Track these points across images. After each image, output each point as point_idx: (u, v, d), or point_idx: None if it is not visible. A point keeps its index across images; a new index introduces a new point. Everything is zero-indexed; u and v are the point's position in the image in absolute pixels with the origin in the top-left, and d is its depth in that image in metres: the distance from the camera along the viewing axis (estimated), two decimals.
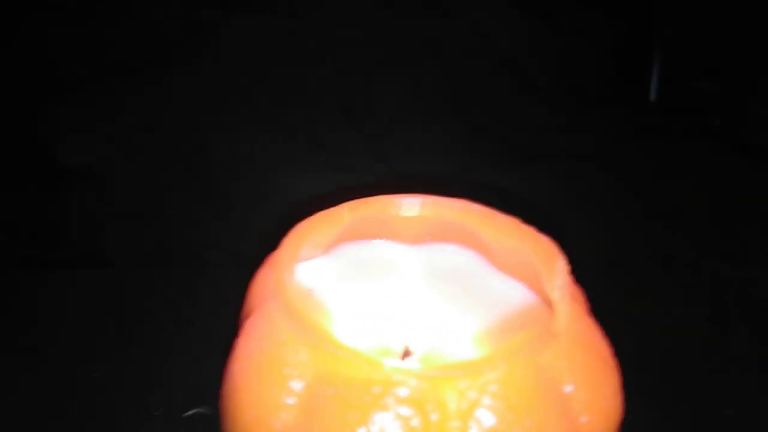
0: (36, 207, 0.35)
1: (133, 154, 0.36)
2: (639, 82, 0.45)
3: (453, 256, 0.28)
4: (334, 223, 0.25)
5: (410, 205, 0.26)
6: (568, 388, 0.20)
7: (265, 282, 0.24)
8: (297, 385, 0.19)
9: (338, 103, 0.35)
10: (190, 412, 0.27)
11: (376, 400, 0.18)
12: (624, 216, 0.37)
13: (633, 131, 0.43)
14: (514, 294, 0.26)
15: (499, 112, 0.37)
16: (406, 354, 0.24)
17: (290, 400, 0.19)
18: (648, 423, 0.27)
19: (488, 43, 0.38)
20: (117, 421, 0.27)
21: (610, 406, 0.21)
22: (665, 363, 0.30)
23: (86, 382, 0.28)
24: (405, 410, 0.18)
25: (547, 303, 0.23)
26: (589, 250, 0.32)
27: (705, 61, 0.49)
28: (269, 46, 0.36)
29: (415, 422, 0.18)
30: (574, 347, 0.21)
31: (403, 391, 0.18)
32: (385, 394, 0.18)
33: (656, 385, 0.29)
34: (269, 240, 0.24)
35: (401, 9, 0.37)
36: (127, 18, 0.36)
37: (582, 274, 0.24)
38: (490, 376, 0.19)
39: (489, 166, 0.38)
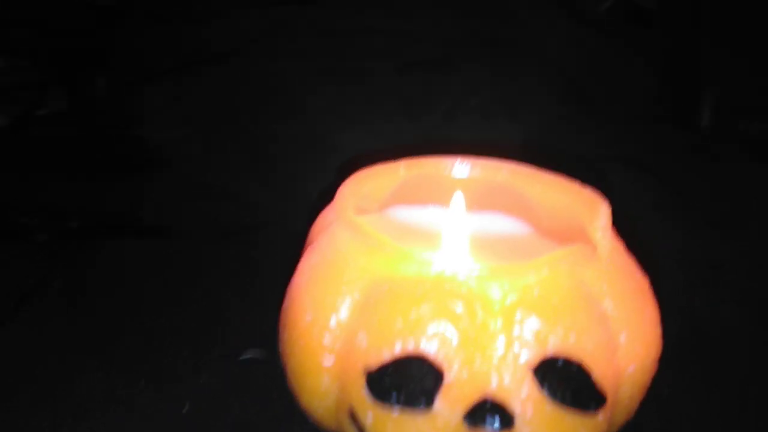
0: (114, 186, 0.39)
1: (206, 137, 0.39)
2: (691, 107, 0.46)
3: (502, 222, 0.29)
4: (390, 177, 0.27)
5: (462, 167, 0.28)
6: (608, 305, 0.21)
7: (324, 217, 0.26)
8: (354, 288, 0.21)
9: (398, 98, 0.38)
10: (246, 356, 0.29)
11: (428, 294, 0.20)
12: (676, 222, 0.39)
13: (684, 150, 0.44)
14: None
15: (551, 120, 0.40)
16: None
17: (348, 302, 0.21)
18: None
19: (544, 53, 0.41)
20: (180, 365, 0.29)
21: (649, 332, 0.22)
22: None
23: (157, 326, 0.31)
24: (453, 304, 0.20)
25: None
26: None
27: (757, 99, 0.50)
28: (337, 41, 0.40)
29: (462, 315, 0.20)
30: (615, 272, 0.22)
31: (452, 288, 0.20)
32: (435, 289, 0.20)
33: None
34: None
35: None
36: (207, 15, 0.40)
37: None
38: (533, 279, 0.20)
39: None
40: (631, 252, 0.24)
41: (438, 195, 0.29)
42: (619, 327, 0.21)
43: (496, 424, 0.19)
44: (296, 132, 0.38)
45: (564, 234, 0.27)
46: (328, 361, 0.21)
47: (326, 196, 0.26)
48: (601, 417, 0.20)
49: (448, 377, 0.19)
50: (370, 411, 0.20)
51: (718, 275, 0.37)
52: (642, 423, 0.24)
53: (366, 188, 0.26)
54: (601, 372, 0.20)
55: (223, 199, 0.38)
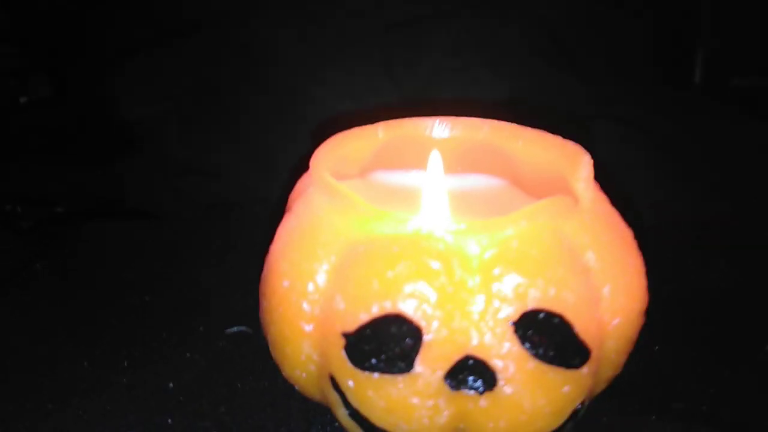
0: (98, 161, 0.38)
1: (183, 111, 0.39)
2: (684, 64, 0.45)
3: (482, 182, 0.29)
4: (368, 140, 0.27)
5: (441, 127, 0.27)
6: (590, 258, 0.20)
7: (301, 184, 0.25)
8: (330, 252, 0.21)
9: (381, 61, 0.37)
10: (232, 329, 0.29)
11: (404, 252, 0.19)
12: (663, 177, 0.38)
13: (674, 106, 0.43)
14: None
15: (539, 80, 0.39)
16: None
17: (323, 265, 0.21)
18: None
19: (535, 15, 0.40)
20: (167, 339, 0.28)
21: (634, 284, 0.21)
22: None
23: (140, 306, 0.30)
24: (430, 261, 0.19)
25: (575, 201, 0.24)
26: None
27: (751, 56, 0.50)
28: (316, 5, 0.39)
29: (440, 272, 0.19)
30: (597, 224, 0.21)
31: (428, 246, 0.19)
32: (411, 247, 0.19)
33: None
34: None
35: None
36: None
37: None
38: (511, 232, 0.19)
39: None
40: (617, 208, 0.24)
41: (419, 157, 0.28)
42: (603, 279, 0.20)
43: (478, 384, 0.19)
44: (273, 102, 0.38)
45: (547, 190, 0.26)
46: (307, 327, 0.21)
47: (305, 163, 0.26)
48: (585, 371, 0.19)
49: (427, 336, 0.19)
50: (350, 377, 0.19)
51: (707, 233, 0.36)
52: (633, 381, 0.23)
53: (343, 151, 0.26)
54: (583, 325, 0.19)
55: (202, 175, 0.37)
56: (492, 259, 0.19)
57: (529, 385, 0.19)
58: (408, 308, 0.19)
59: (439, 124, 0.27)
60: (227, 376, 0.26)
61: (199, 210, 0.36)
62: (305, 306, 0.21)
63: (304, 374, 0.22)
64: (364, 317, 0.19)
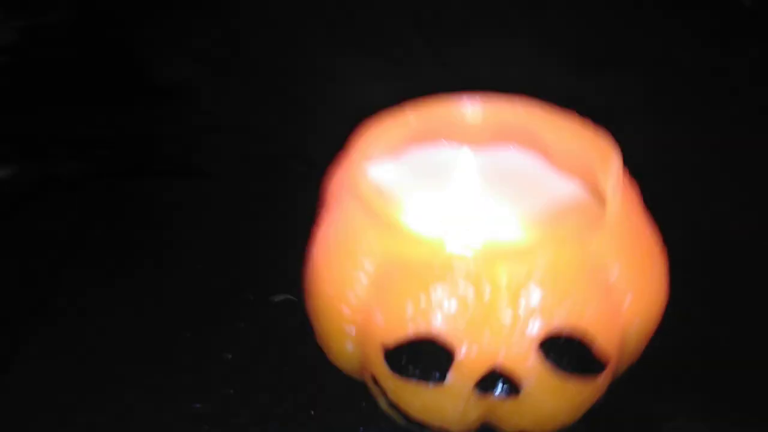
0: (134, 121, 0.39)
1: (221, 71, 0.39)
2: None
3: (513, 157, 0.29)
4: (400, 125, 0.27)
5: (472, 107, 0.28)
6: (614, 270, 0.22)
7: (338, 177, 0.26)
8: (368, 265, 0.22)
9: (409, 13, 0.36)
10: (278, 298, 0.31)
11: (436, 277, 0.21)
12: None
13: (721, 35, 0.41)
14: (570, 189, 0.27)
15: (573, 15, 0.37)
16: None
17: (363, 278, 0.22)
18: (692, 311, 0.28)
19: None
20: (216, 308, 0.31)
21: (655, 289, 0.23)
22: (713, 255, 0.31)
23: (190, 272, 0.33)
24: (462, 285, 0.21)
25: (602, 197, 0.25)
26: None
27: None
28: None
29: (471, 296, 0.21)
30: (622, 234, 0.22)
31: (460, 269, 0.21)
32: (444, 271, 0.21)
33: (702, 277, 0.30)
34: (341, 143, 0.26)
35: None
36: None
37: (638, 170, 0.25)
38: (539, 260, 0.21)
39: (559, 73, 0.38)
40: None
41: (453, 133, 0.29)
42: (625, 289, 0.22)
43: (504, 391, 0.21)
44: (310, 64, 0.37)
45: (577, 174, 0.27)
46: (350, 330, 0.23)
47: (340, 139, 0.26)
48: (601, 379, 0.21)
49: (459, 355, 0.21)
50: (389, 380, 0.22)
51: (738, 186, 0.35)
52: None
53: (378, 137, 0.26)
54: (604, 339, 0.21)
55: (236, 132, 0.38)
56: (520, 281, 0.21)
57: (550, 392, 0.21)
58: (441, 330, 0.21)
59: (470, 104, 0.28)
60: (281, 346, 0.29)
61: (240, 166, 0.37)
62: (347, 312, 0.23)
63: (348, 364, 0.24)
64: (400, 335, 0.21)
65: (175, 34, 0.39)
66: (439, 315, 0.21)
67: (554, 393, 0.21)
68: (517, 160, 0.29)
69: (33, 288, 0.32)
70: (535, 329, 0.20)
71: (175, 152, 0.38)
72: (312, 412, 0.27)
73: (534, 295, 0.21)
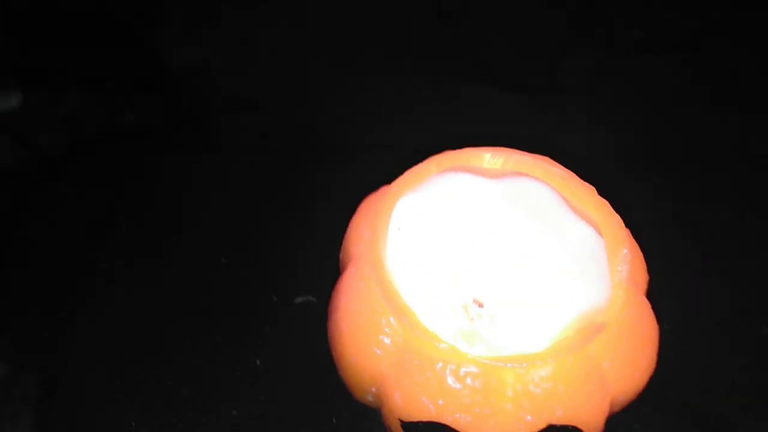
0: (152, 100, 0.38)
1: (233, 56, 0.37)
2: None
3: (533, 189, 0.29)
4: (422, 176, 0.28)
5: (493, 160, 0.28)
6: (606, 365, 0.24)
7: (360, 232, 0.27)
8: (389, 341, 0.25)
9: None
10: (300, 299, 0.33)
11: (449, 376, 0.23)
12: None
13: None
14: (586, 242, 0.28)
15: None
16: (477, 304, 0.28)
17: (383, 355, 0.25)
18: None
19: None
20: (242, 305, 0.33)
21: (643, 373, 0.25)
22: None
23: (215, 265, 0.35)
24: (472, 386, 0.23)
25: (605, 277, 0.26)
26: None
27: None
28: None
29: (479, 394, 0.23)
30: (621, 334, 0.24)
31: (471, 371, 0.23)
32: (457, 370, 0.23)
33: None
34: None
35: None
36: None
37: None
38: (543, 371, 0.23)
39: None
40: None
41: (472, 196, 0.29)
42: (615, 378, 0.24)
43: None
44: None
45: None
46: (371, 388, 0.26)
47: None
48: None
49: None
50: None
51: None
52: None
53: (398, 202, 0.27)
54: (594, 424, 0.24)
55: (249, 109, 0.37)
56: (525, 386, 0.23)
57: None
58: (452, 420, 0.24)
59: (490, 157, 0.28)
60: (307, 349, 0.31)
61: (249, 143, 0.38)
62: (369, 378, 0.26)
63: (366, 402, 0.28)
64: (416, 418, 0.24)
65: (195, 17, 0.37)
66: (449, 409, 0.23)
67: None
68: (537, 191, 0.29)
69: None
70: (533, 424, 0.24)
71: (192, 130, 0.38)
72: (334, 420, 0.30)
73: (535, 400, 0.23)
